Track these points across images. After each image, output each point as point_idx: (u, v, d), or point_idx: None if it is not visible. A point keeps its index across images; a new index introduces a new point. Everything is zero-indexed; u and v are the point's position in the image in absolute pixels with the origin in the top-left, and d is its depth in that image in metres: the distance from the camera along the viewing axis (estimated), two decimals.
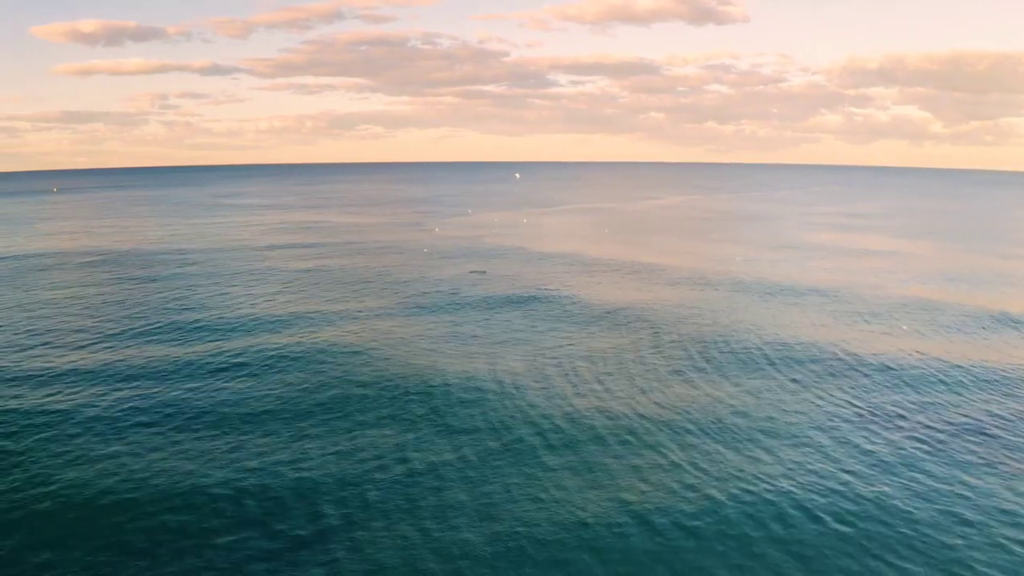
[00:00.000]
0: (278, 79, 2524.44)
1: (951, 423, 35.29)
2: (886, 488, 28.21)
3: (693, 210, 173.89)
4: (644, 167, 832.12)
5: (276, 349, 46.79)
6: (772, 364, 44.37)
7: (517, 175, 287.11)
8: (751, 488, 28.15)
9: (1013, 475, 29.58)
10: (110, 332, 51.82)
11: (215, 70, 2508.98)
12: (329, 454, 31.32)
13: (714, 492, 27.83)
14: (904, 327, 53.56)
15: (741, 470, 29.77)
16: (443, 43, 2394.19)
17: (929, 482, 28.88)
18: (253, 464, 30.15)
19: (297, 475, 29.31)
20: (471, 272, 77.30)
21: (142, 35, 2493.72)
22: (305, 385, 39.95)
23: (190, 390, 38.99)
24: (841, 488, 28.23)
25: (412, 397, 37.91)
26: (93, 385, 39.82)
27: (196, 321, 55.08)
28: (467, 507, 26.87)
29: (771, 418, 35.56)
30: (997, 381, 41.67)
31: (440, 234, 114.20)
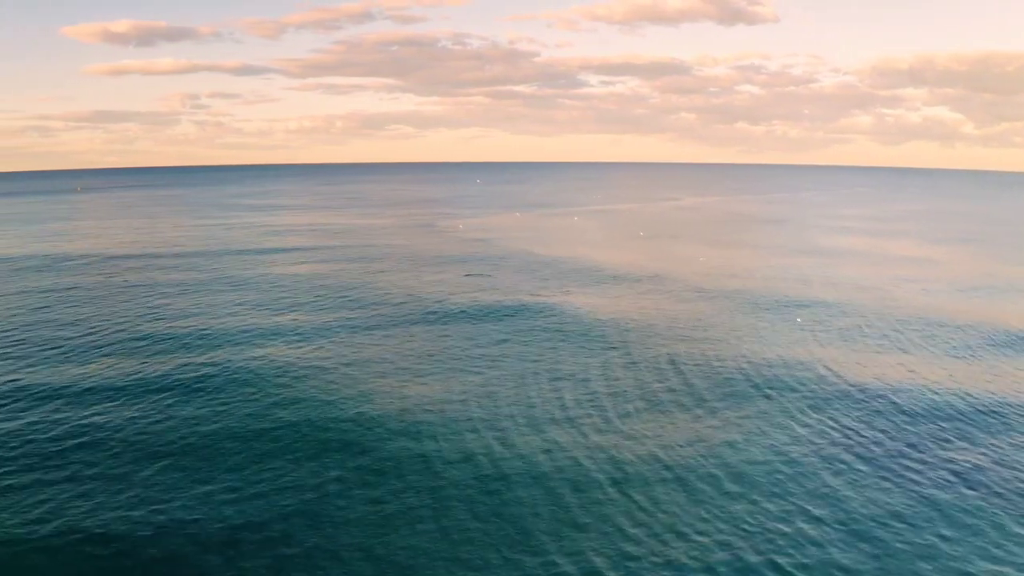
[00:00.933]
0: (308, 79, 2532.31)
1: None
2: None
3: (708, 212, 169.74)
4: (673, 168, 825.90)
5: (214, 366, 44.10)
6: (767, 394, 40.62)
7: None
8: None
9: None
10: (69, 344, 49.48)
11: (246, 70, 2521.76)
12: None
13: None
14: (926, 351, 49.91)
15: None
16: (473, 43, 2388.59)
17: None
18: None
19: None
20: (466, 275, 74.93)
21: (174, 35, 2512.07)
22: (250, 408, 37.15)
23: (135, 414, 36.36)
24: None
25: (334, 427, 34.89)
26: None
27: (152, 334, 52.52)
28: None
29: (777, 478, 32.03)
30: None
31: (451, 234, 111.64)
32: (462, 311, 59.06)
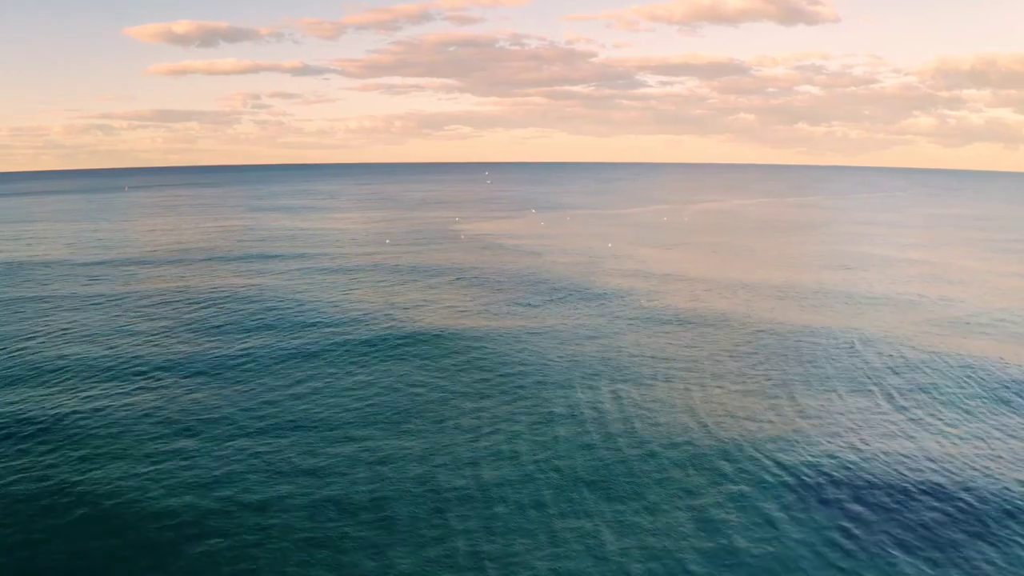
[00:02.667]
0: (368, 80, 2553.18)
1: None
2: None
3: (734, 215, 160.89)
4: (730, 169, 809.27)
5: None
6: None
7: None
8: None
9: None
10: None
11: (306, 70, 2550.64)
12: None
13: None
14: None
15: None
16: (531, 44, 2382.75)
17: None
18: None
19: None
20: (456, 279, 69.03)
21: (234, 36, 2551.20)
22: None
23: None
24: None
25: None
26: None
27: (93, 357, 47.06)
28: None
29: None
30: None
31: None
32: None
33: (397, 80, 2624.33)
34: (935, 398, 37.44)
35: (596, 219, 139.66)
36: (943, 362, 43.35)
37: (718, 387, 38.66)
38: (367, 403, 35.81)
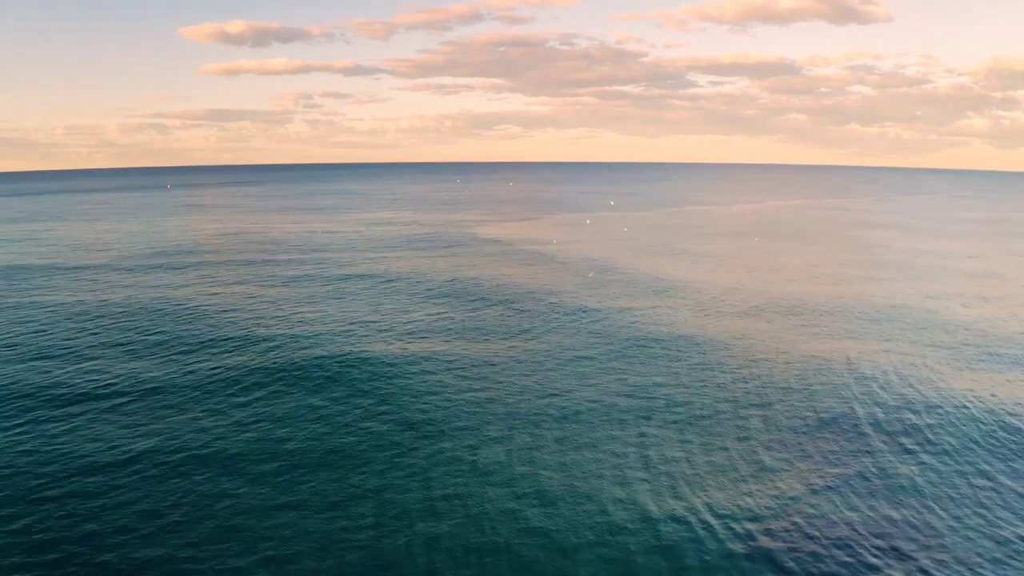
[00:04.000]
0: (418, 79, 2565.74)
1: None
2: None
3: (761, 216, 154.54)
4: (780, 169, 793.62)
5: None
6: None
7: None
8: None
9: None
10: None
11: (357, 70, 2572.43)
12: None
13: None
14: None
15: None
16: (581, 44, 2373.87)
17: None
18: None
19: None
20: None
21: (286, 36, 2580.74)
22: None
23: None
24: None
25: None
26: None
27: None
28: None
29: None
30: None
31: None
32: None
33: (447, 80, 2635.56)
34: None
35: (622, 221, 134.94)
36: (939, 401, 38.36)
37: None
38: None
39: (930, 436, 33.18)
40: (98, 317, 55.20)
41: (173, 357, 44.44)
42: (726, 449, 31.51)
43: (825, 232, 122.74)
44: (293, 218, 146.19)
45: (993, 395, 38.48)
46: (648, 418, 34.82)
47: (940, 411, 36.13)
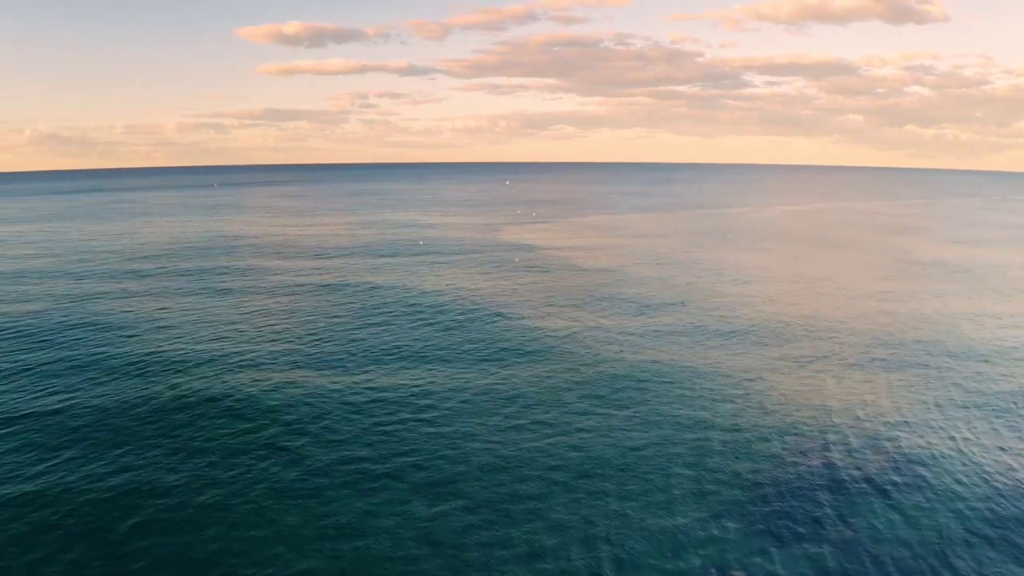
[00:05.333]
0: (473, 80, 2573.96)
1: None
2: None
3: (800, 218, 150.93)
4: (833, 171, 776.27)
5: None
6: None
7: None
8: None
9: None
10: None
11: (412, 71, 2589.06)
12: None
13: None
14: None
15: None
16: (636, 43, 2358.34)
17: None
18: None
19: None
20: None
21: (342, 36, 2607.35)
22: None
23: None
24: None
25: None
26: None
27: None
28: None
29: None
30: None
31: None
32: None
33: (502, 80, 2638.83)
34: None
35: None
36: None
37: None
38: None
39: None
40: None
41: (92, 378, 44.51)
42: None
43: (847, 238, 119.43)
44: (297, 220, 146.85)
45: None
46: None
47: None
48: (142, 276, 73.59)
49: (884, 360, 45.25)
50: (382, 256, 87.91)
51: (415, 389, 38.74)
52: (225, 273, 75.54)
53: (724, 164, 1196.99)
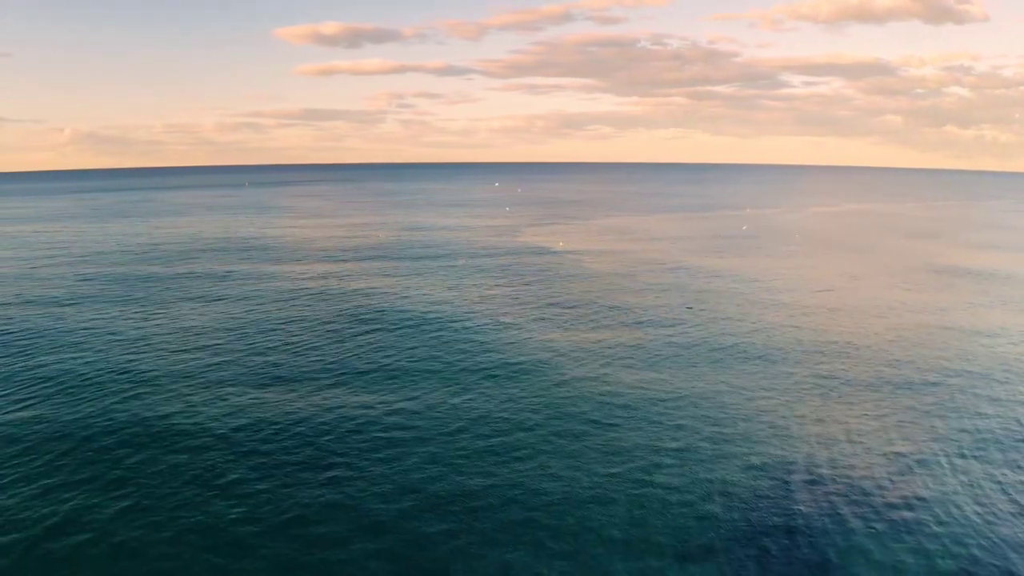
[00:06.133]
0: (510, 80, 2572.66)
1: None
2: None
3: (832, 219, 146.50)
4: (871, 172, 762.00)
5: None
6: None
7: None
8: None
9: None
10: None
11: (449, 71, 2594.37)
12: None
13: None
14: None
15: None
16: (673, 44, 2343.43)
17: None
18: None
19: None
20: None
21: (380, 37, 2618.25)
22: None
23: None
24: None
25: None
26: None
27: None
28: None
29: None
30: None
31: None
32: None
33: (539, 80, 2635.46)
34: None
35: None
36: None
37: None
38: None
39: None
40: None
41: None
42: None
43: (871, 242, 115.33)
44: (309, 222, 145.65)
45: None
46: None
47: None
48: (114, 281, 72.47)
49: (894, 383, 41.98)
50: (383, 259, 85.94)
51: (384, 408, 36.46)
52: (207, 278, 74.06)
53: (761, 165, 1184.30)
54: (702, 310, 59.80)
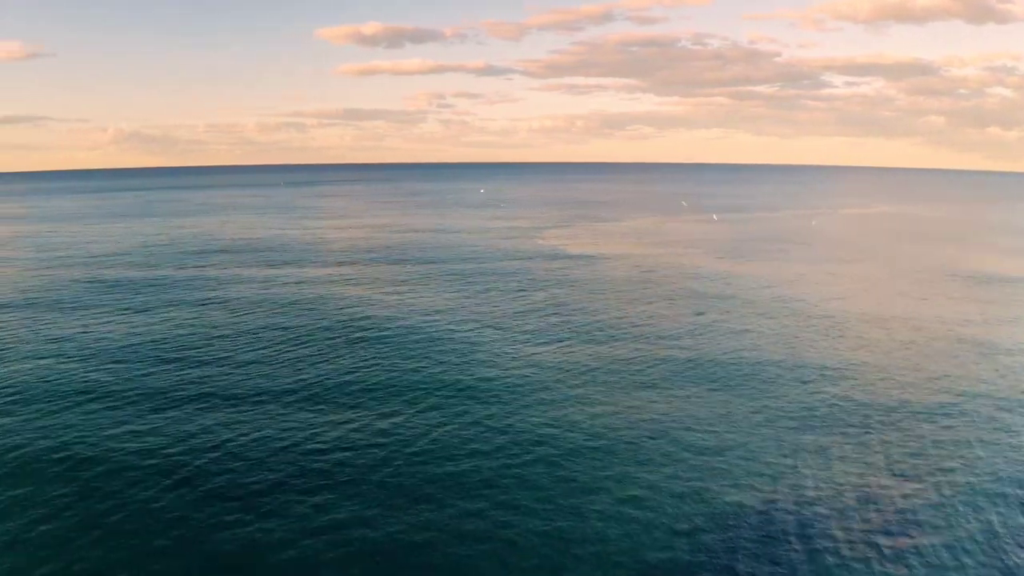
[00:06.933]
0: (550, 80, 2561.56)
1: None
2: None
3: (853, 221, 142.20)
4: (913, 174, 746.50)
5: None
6: None
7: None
8: None
9: None
10: None
11: (489, 71, 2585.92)
12: None
13: None
14: None
15: None
16: (713, 43, 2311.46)
17: None
18: None
19: None
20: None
21: (420, 37, 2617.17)
22: None
23: None
24: None
25: None
26: None
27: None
28: None
29: None
30: None
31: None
32: None
33: (579, 80, 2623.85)
34: None
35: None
36: None
37: None
38: None
39: None
40: None
41: None
42: None
43: (895, 247, 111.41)
44: (327, 223, 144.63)
45: None
46: None
47: None
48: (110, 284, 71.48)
49: (900, 417, 39.19)
50: (386, 263, 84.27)
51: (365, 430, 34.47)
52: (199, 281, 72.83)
53: (803, 165, 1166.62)
54: (706, 319, 57.18)
